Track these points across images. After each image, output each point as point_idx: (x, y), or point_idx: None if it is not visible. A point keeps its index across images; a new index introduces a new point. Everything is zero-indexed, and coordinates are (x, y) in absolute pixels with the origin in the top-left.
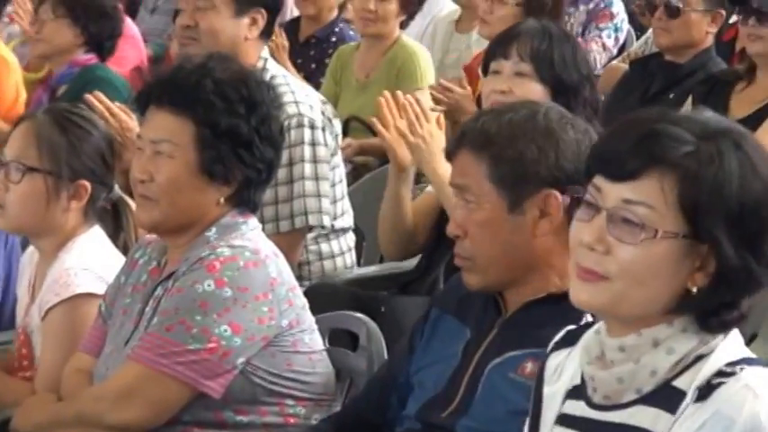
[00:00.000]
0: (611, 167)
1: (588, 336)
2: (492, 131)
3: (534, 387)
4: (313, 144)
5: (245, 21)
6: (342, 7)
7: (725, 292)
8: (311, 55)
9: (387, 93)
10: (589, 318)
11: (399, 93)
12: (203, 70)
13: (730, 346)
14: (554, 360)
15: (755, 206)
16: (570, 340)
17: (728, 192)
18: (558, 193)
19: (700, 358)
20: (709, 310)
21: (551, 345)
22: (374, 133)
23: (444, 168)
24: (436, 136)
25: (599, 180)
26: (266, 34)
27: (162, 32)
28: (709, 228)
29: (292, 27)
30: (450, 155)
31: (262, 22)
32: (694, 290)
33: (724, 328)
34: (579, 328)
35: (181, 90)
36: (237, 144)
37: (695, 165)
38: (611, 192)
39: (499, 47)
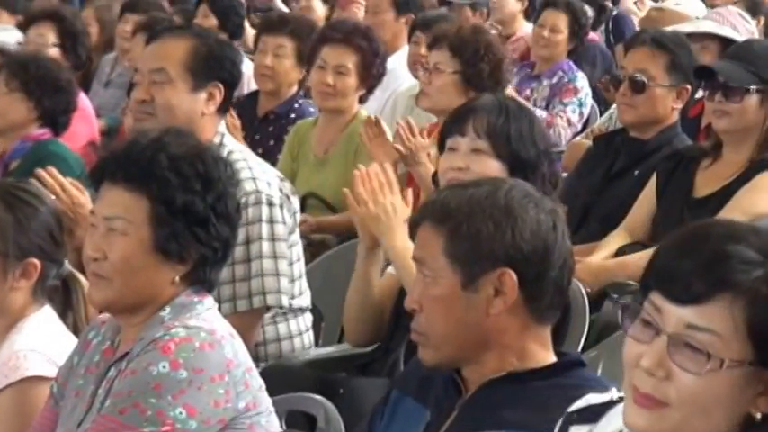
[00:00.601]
0: (674, 289)
1: None
2: (452, 206)
3: None
4: (271, 222)
5: (203, 96)
6: (302, 83)
7: None
8: (270, 131)
9: (362, 167)
10: (614, 394)
11: (373, 169)
12: (158, 145)
13: None
14: None
15: None
16: (592, 417)
17: None
18: (512, 273)
19: None
20: None
21: (571, 413)
22: (333, 210)
23: (404, 244)
24: (399, 210)
25: (658, 299)
26: (224, 109)
27: (116, 106)
28: None
29: (250, 102)
30: (412, 227)
31: (219, 97)
32: (758, 416)
33: None
34: (603, 404)
35: (135, 166)
36: (193, 222)
37: (766, 288)
38: (672, 314)
39: (455, 124)
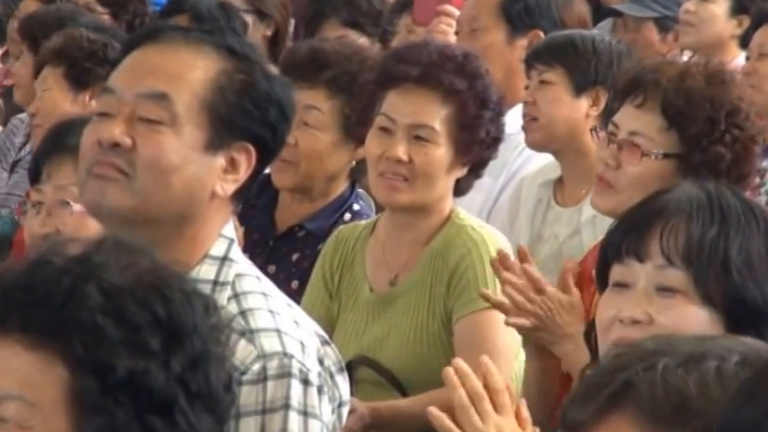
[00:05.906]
0: None
1: None
2: (686, 392)
3: None
4: (305, 412)
5: (220, 161)
6: (354, 174)
7: None
8: (291, 262)
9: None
10: None
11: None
12: (85, 267)
13: None
14: None
15: None
16: None
17: None
18: None
19: None
20: None
21: None
22: (401, 389)
23: None
24: None
25: None
26: (244, 194)
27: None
28: None
29: (264, 199)
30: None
31: (244, 170)
32: None
33: None
34: None
35: (42, 305)
36: (147, 407)
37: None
38: None
39: (628, 237)
